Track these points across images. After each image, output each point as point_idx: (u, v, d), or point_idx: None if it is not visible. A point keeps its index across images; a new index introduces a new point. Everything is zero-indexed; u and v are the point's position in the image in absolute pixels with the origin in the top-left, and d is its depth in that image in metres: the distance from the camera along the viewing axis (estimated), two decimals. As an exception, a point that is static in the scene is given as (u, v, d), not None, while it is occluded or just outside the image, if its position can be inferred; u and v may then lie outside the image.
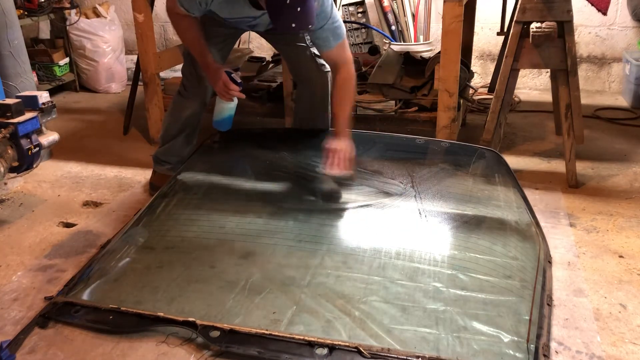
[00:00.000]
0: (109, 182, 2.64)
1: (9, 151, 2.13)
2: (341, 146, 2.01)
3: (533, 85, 4.05)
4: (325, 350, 1.40)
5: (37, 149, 2.20)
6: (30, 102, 2.22)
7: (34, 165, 2.24)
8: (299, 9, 1.66)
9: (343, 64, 2.08)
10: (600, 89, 3.95)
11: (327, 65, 2.30)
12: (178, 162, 2.39)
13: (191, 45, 2.14)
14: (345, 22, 3.97)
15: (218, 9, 2.01)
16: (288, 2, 1.63)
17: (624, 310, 1.66)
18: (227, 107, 2.22)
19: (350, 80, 2.09)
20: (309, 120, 2.43)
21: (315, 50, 2.28)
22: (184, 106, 2.33)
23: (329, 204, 2.11)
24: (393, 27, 3.89)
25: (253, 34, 4.20)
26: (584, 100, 3.06)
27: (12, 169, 2.19)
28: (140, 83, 3.17)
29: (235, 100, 2.20)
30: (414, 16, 3.86)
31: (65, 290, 1.69)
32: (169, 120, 2.39)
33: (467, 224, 1.92)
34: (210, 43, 2.15)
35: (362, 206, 2.06)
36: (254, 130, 2.72)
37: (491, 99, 2.54)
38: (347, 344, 1.41)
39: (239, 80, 2.13)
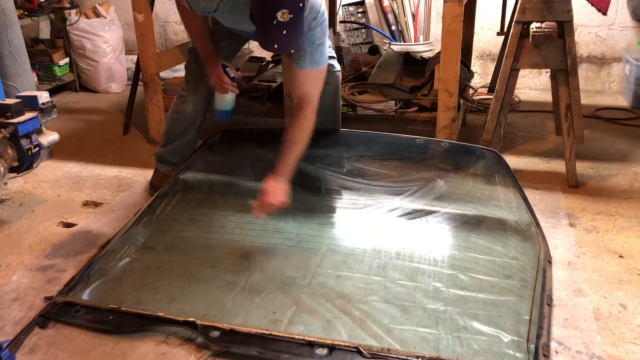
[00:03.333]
0: (109, 182, 2.64)
1: (9, 151, 2.13)
2: (274, 189, 1.79)
3: (533, 85, 4.05)
4: (325, 350, 1.40)
5: (37, 149, 2.20)
6: (30, 102, 2.22)
7: (34, 165, 2.24)
8: (284, 32, 1.66)
9: (309, 100, 1.92)
10: (600, 89, 3.95)
11: (336, 65, 2.28)
12: (181, 162, 2.39)
13: (193, 36, 2.21)
14: (345, 22, 3.97)
15: (221, 17, 2.04)
16: (275, 23, 1.63)
17: (624, 310, 1.66)
18: (223, 100, 2.25)
19: (310, 122, 1.92)
20: (319, 120, 2.42)
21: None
22: (187, 102, 2.32)
23: (329, 204, 2.11)
24: (393, 27, 3.89)
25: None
26: (584, 100, 3.05)
27: (12, 169, 2.19)
28: (140, 83, 3.17)
29: (232, 94, 2.23)
30: (414, 16, 3.86)
31: (65, 290, 1.69)
32: (173, 117, 2.38)
33: (467, 224, 1.92)
34: (216, 44, 2.18)
35: (362, 206, 2.06)
36: (254, 130, 2.72)
37: (491, 99, 2.54)
38: (347, 344, 1.41)
39: (232, 75, 2.17)
